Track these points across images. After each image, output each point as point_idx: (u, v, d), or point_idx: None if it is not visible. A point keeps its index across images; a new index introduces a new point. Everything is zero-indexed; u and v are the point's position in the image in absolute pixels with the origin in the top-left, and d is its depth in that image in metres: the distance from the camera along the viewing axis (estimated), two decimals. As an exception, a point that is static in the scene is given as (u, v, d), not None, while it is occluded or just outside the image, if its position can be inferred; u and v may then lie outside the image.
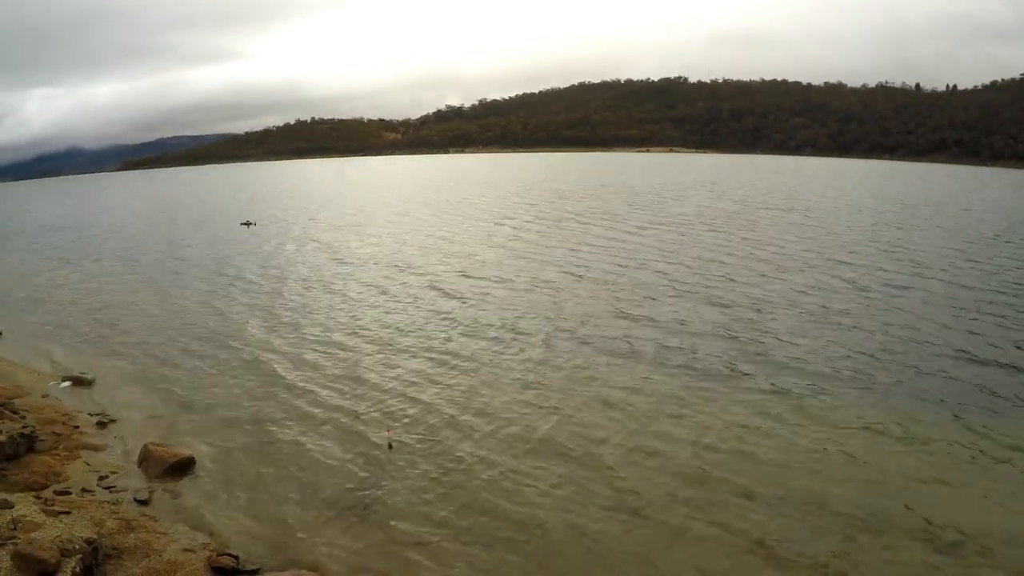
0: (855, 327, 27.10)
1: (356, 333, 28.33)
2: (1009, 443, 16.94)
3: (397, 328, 28.85)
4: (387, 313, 31.33)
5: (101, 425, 19.98)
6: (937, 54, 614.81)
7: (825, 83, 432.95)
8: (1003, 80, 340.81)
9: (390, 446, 17.64)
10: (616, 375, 22.53)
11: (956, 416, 18.70)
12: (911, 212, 70.62)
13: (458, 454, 17.23)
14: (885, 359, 23.33)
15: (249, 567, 12.83)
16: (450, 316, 30.40)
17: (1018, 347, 24.38)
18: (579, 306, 31.26)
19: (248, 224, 69.52)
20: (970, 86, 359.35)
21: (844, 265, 39.29)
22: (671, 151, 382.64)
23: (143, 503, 15.13)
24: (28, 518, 11.95)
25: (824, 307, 30.11)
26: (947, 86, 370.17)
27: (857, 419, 18.60)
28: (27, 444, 16.91)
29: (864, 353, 23.91)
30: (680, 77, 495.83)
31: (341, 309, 32.40)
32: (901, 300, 31.21)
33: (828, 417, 18.81)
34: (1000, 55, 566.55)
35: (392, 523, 14.30)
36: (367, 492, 15.51)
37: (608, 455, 16.96)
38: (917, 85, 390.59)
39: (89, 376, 24.20)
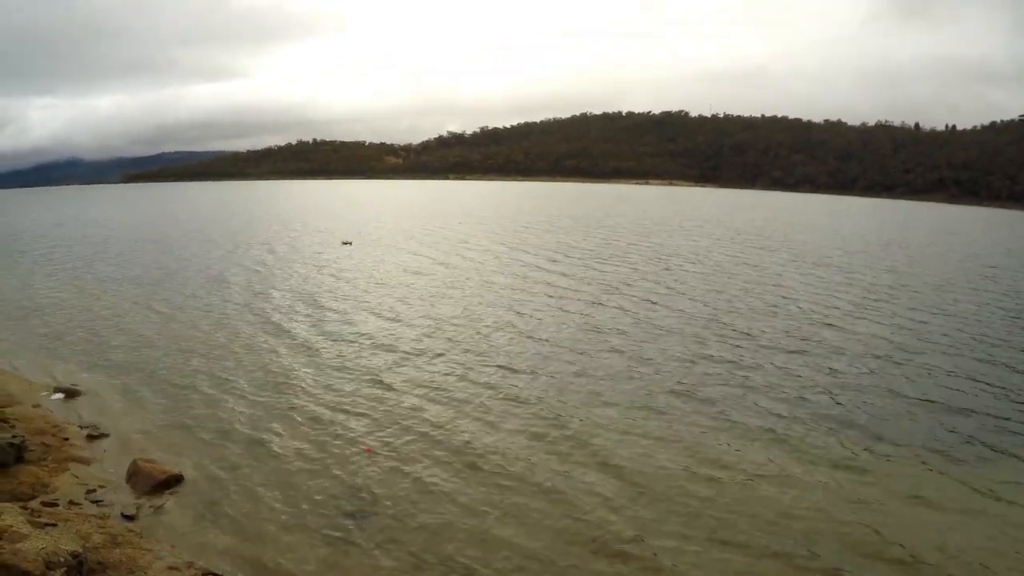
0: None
1: (355, 352, 28.27)
2: None
3: (395, 348, 28.83)
4: (389, 333, 31.25)
5: (91, 438, 19.89)
6: (928, 95, 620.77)
7: (825, 120, 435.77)
8: (1002, 121, 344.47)
9: (371, 458, 17.83)
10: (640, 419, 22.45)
11: None
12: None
13: (444, 477, 17.16)
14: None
15: (234, 586, 12.77)
16: (471, 345, 30.32)
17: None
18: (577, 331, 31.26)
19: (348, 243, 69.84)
20: (968, 127, 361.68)
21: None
22: (670, 184, 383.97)
23: (130, 518, 15.05)
24: (14, 528, 11.86)
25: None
26: (946, 126, 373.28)
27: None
28: (16, 454, 16.81)
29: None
30: (681, 111, 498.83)
31: (340, 324, 32.36)
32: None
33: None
34: (991, 97, 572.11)
35: (378, 543, 14.24)
36: (356, 509, 15.46)
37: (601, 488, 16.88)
38: (916, 124, 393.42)
39: (81, 388, 24.13)
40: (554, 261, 55.88)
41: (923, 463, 18.34)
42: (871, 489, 16.79)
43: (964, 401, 23.18)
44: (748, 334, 31.52)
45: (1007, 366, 27.50)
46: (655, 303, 38.43)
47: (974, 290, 46.16)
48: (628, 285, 44.19)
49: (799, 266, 55.83)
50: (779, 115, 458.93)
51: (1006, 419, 21.57)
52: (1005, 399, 23.54)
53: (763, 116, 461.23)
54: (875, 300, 40.73)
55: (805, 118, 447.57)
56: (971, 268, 58.82)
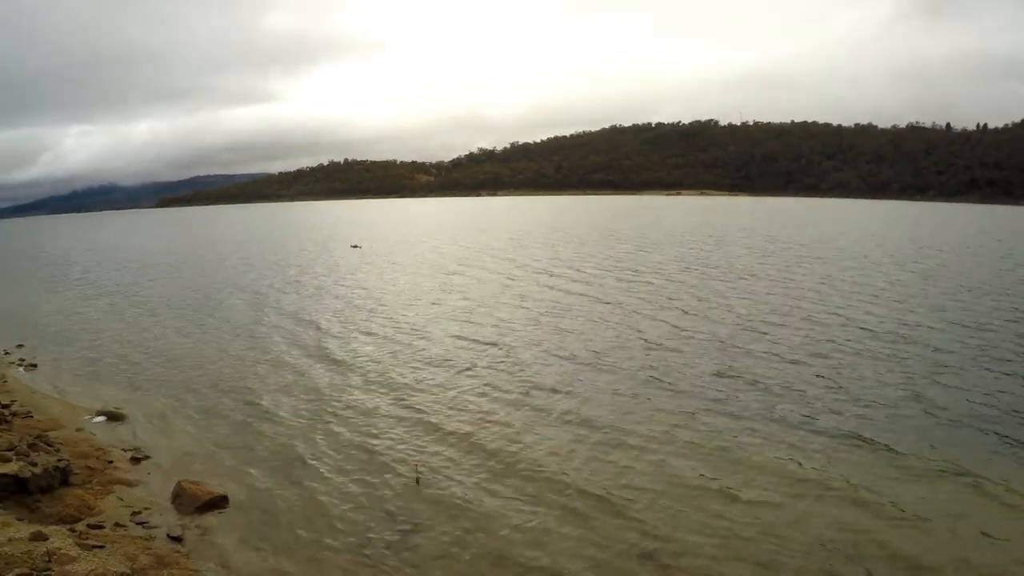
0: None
1: (403, 371, 28.24)
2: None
3: (447, 367, 28.78)
4: (442, 354, 31.19)
5: (135, 461, 19.93)
6: (959, 93, 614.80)
7: (856, 124, 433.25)
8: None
9: (418, 482, 17.53)
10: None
11: None
12: None
13: (491, 498, 16.97)
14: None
15: (281, 606, 12.70)
16: (511, 358, 30.15)
17: None
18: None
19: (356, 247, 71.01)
20: (1000, 124, 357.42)
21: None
22: (703, 194, 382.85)
23: (176, 540, 15.00)
24: (63, 551, 11.87)
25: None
26: (978, 125, 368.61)
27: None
28: (61, 477, 16.86)
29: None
30: (711, 120, 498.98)
31: (386, 345, 32.44)
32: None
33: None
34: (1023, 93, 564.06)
35: (426, 568, 14.03)
36: (402, 532, 15.28)
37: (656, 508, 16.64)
38: (948, 124, 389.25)
39: (123, 411, 24.22)
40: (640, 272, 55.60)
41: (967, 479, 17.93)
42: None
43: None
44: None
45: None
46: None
47: None
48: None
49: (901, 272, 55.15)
50: (809, 120, 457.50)
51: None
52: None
53: (793, 122, 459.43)
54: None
55: (835, 122, 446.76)
56: None
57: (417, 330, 35.45)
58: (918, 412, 21.88)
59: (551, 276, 54.93)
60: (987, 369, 26.51)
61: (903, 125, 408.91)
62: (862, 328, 33.33)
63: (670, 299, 42.59)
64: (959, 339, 31.13)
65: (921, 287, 46.52)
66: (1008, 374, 25.81)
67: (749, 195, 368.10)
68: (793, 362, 27.78)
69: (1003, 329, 33.05)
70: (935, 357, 28.28)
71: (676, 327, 34.32)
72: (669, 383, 25.38)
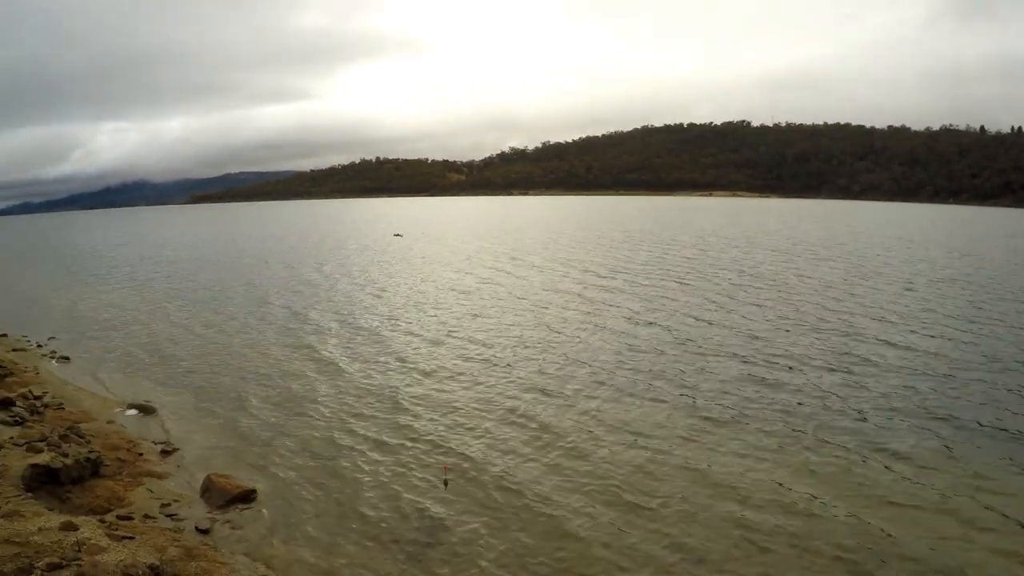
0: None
1: (432, 365, 28.42)
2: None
3: (478, 360, 29.02)
4: (469, 344, 31.47)
5: (165, 453, 20.08)
6: (993, 96, 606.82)
7: (889, 126, 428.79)
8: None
9: (445, 483, 17.45)
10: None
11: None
12: None
13: (517, 491, 16.97)
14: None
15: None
16: (545, 354, 30.27)
17: None
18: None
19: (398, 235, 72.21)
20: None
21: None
22: (735, 195, 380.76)
23: (204, 532, 15.09)
24: (92, 541, 11.95)
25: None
26: (1012, 128, 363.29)
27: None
28: (92, 468, 17.02)
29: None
30: (743, 121, 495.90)
31: (415, 342, 32.53)
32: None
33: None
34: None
35: (451, 562, 14.08)
36: (427, 529, 15.29)
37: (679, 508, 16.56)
38: (982, 127, 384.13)
39: (154, 404, 24.42)
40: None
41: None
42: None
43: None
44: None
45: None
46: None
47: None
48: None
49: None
50: (842, 122, 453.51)
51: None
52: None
53: (825, 124, 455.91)
54: None
55: (868, 123, 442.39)
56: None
57: (450, 326, 35.54)
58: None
59: (596, 276, 54.85)
60: None
61: (936, 127, 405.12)
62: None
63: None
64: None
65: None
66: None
67: (780, 196, 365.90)
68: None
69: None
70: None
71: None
72: (704, 387, 25.31)
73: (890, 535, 14.53)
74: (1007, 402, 22.72)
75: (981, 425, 20.74)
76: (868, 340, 31.30)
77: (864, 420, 21.29)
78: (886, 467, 17.88)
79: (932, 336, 32.25)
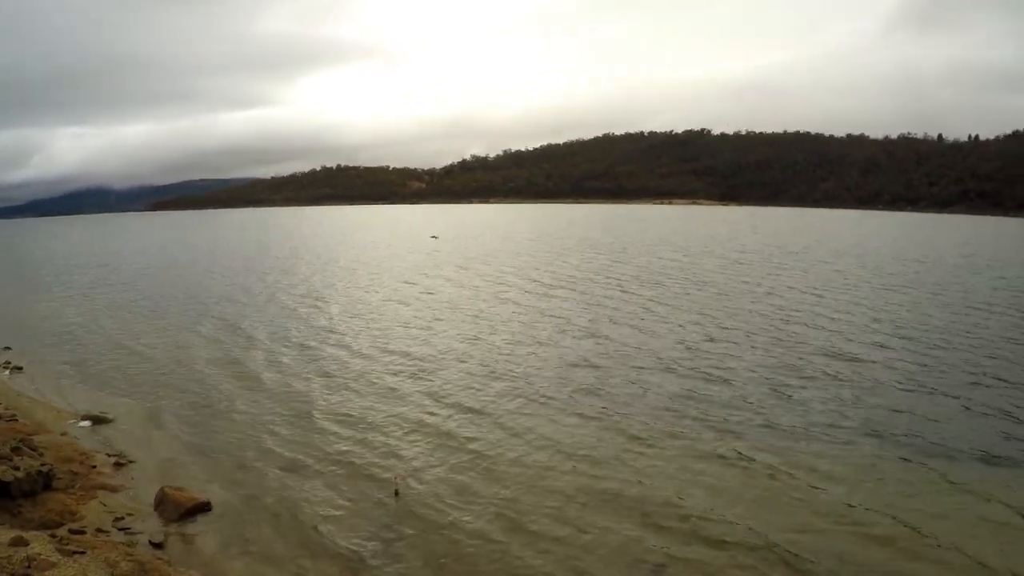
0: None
1: (382, 377, 28.35)
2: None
3: (422, 373, 28.90)
4: (417, 360, 31.28)
5: (118, 466, 19.90)
6: (951, 105, 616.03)
7: (847, 135, 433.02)
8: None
9: (396, 493, 17.44)
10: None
11: None
12: None
13: (468, 505, 17.01)
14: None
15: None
16: (485, 365, 30.37)
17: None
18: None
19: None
20: (991, 136, 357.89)
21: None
22: (694, 203, 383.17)
23: (158, 546, 14.99)
24: (43, 556, 11.83)
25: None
26: (969, 136, 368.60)
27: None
28: (44, 482, 16.83)
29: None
30: (703, 129, 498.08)
31: (364, 357, 32.36)
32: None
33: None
34: (1014, 105, 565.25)
35: (404, 572, 14.13)
36: (378, 542, 15.30)
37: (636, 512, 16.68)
38: (939, 136, 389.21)
39: (108, 416, 24.20)
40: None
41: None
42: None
43: None
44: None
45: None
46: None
47: None
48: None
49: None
50: (801, 130, 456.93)
51: None
52: None
53: (785, 132, 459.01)
54: None
55: (827, 132, 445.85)
56: None
57: (389, 338, 35.57)
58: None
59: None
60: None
61: (895, 136, 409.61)
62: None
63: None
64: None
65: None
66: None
67: (739, 204, 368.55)
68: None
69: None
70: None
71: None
72: (631, 402, 25.50)
73: (799, 555, 14.56)
74: (941, 417, 22.79)
75: (911, 440, 20.86)
76: (807, 352, 31.53)
77: (792, 436, 21.39)
78: (811, 486, 17.76)
79: (877, 346, 32.76)
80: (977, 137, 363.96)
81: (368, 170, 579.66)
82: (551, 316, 41.16)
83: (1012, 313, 41.28)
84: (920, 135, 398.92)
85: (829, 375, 27.63)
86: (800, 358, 30.19)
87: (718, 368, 28.85)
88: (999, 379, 26.88)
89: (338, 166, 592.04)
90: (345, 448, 20.81)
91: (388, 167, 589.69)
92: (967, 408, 23.53)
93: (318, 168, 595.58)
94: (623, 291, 50.69)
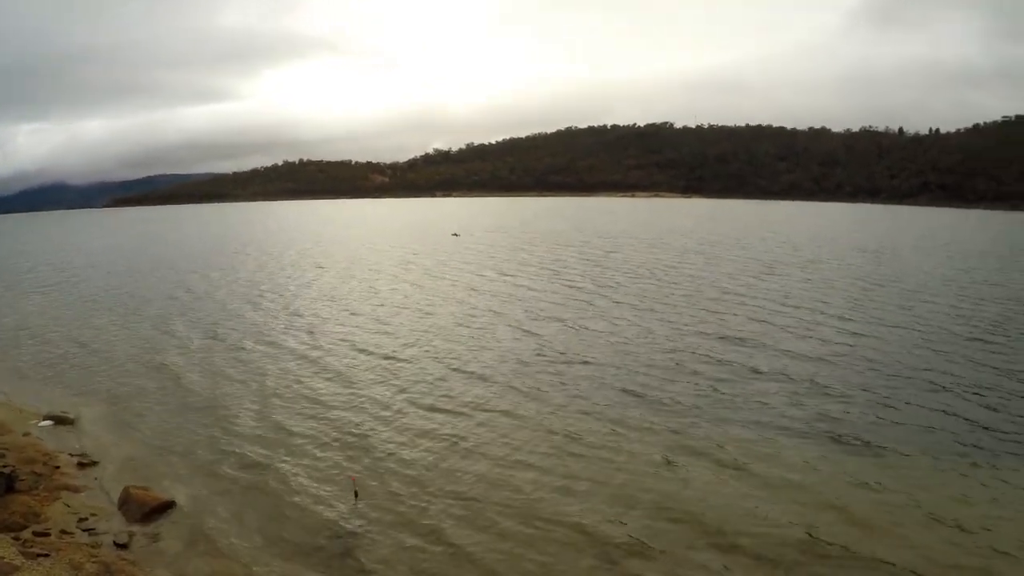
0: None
1: (341, 375, 28.40)
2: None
3: (382, 369, 28.98)
4: (380, 359, 31.29)
5: (82, 466, 19.83)
6: (911, 100, 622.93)
7: (809, 128, 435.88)
8: (985, 123, 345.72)
9: (356, 494, 17.50)
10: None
11: None
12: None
13: (427, 503, 17.15)
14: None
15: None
16: (449, 357, 30.52)
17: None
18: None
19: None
20: (952, 130, 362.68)
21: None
22: (657, 196, 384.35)
23: (123, 547, 14.99)
24: (6, 559, 11.84)
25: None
26: (930, 130, 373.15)
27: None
28: (6, 484, 16.74)
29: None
30: (666, 123, 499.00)
31: (324, 356, 32.37)
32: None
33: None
34: (973, 99, 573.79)
35: (366, 569, 14.30)
36: (341, 538, 15.45)
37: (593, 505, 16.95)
38: (900, 129, 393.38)
39: (71, 416, 24.06)
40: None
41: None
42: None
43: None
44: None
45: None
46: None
47: None
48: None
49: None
50: (763, 124, 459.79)
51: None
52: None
53: (747, 125, 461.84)
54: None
55: (789, 126, 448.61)
56: None
57: (364, 330, 35.65)
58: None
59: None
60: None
61: (856, 129, 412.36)
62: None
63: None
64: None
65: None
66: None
67: (702, 196, 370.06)
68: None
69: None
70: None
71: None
72: (569, 401, 25.77)
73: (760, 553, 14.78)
74: (888, 413, 22.97)
75: (857, 436, 21.18)
76: (750, 346, 31.90)
77: (743, 425, 21.97)
78: (745, 494, 17.61)
79: (821, 340, 33.26)
80: (938, 131, 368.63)
81: (331, 164, 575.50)
82: (495, 311, 41.40)
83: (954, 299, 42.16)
84: (881, 128, 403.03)
85: (770, 371, 28.04)
86: (743, 351, 30.69)
87: (656, 367, 28.92)
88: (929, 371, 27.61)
89: (301, 160, 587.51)
90: (307, 447, 20.88)
91: (351, 161, 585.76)
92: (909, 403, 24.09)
93: (280, 163, 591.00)
94: (572, 287, 50.93)
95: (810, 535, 15.06)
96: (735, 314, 38.91)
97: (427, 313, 41.41)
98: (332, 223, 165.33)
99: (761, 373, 27.34)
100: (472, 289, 50.51)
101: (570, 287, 50.12)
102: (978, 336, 33.35)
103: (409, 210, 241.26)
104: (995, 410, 22.87)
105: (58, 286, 59.22)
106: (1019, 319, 37.88)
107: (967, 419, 22.08)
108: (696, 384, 26.14)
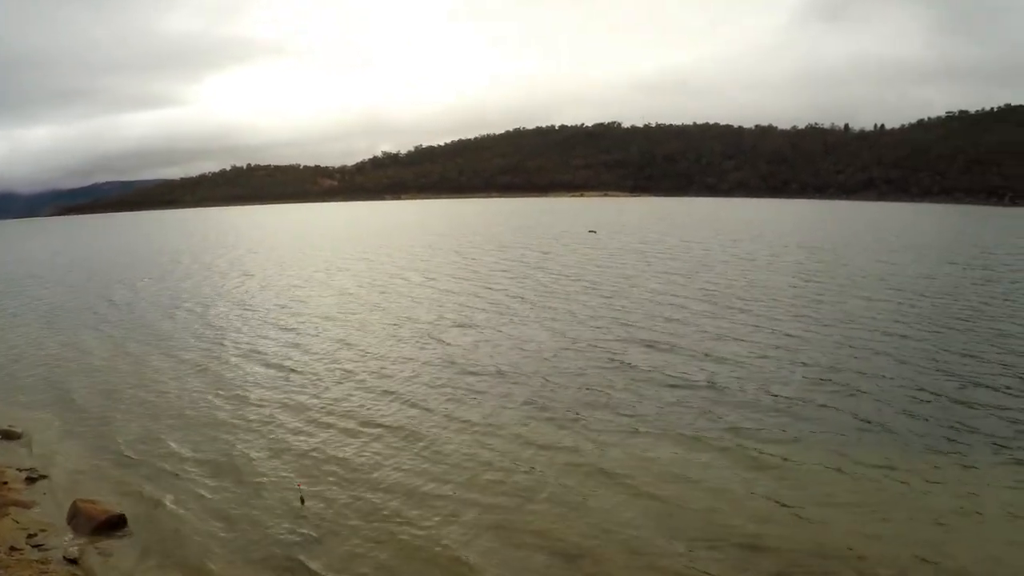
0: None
1: (299, 385, 28.30)
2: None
3: (331, 379, 28.90)
4: (337, 364, 31.27)
5: (30, 481, 19.58)
6: (857, 96, 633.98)
7: (756, 126, 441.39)
8: (930, 119, 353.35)
9: (302, 501, 17.45)
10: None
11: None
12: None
13: (375, 509, 17.20)
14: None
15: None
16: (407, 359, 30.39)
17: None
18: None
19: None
20: (898, 125, 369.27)
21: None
22: (606, 195, 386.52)
23: (73, 562, 14.88)
24: (-47, 579, 11.73)
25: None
26: (875, 126, 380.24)
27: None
28: (-48, 502, 16.56)
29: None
30: (613, 122, 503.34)
31: (285, 354, 32.32)
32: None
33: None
34: (918, 95, 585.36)
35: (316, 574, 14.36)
36: (287, 548, 15.40)
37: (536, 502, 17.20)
38: (846, 126, 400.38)
39: (17, 430, 23.69)
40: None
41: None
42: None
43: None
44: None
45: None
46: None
47: None
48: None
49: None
50: (711, 122, 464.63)
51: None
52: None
53: (695, 124, 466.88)
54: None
55: (736, 124, 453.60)
56: None
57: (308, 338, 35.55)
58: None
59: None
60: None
61: (803, 126, 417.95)
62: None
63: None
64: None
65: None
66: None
67: (651, 195, 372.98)
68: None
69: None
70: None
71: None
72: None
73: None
74: (836, 410, 23.20)
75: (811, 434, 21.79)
76: (661, 349, 31.77)
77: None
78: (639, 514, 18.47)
79: (751, 343, 33.93)
80: (883, 126, 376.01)
81: (278, 169, 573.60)
82: (408, 318, 41.43)
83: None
84: (827, 125, 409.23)
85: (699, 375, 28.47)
86: (676, 356, 31.06)
87: (560, 373, 29.09)
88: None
89: (248, 165, 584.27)
90: (255, 455, 20.81)
91: (299, 165, 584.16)
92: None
93: (228, 168, 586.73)
94: (505, 293, 51.09)
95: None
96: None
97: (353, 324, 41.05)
98: (262, 228, 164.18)
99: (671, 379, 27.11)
100: (388, 294, 50.50)
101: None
102: (908, 333, 33.74)
103: (353, 216, 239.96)
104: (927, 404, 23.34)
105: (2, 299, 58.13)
106: (951, 311, 38.85)
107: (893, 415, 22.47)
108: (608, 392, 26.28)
